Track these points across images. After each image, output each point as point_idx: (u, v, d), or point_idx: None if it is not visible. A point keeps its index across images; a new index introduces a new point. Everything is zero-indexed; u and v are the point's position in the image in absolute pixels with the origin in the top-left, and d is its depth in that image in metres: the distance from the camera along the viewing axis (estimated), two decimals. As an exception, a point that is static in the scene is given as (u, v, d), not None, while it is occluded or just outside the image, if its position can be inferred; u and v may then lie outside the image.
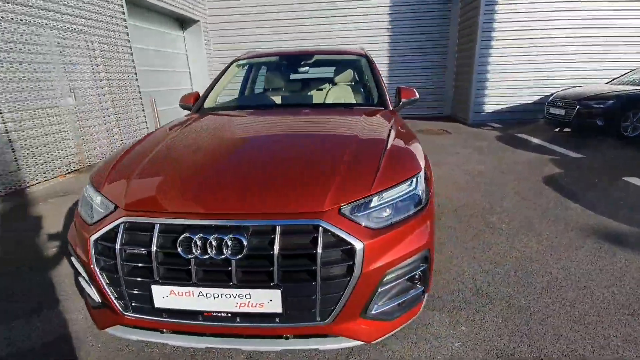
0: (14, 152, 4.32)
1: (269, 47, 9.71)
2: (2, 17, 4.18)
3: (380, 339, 1.36)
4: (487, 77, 8.15)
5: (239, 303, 1.22)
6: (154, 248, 1.22)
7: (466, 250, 2.55)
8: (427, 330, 1.79)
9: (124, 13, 6.34)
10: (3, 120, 4.24)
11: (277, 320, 1.24)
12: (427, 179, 1.59)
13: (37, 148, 4.63)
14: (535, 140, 6.24)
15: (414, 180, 1.47)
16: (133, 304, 1.30)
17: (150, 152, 1.72)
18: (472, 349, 1.66)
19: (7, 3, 4.23)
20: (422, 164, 1.59)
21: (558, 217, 3.07)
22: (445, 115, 9.93)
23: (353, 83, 2.93)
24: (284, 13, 9.69)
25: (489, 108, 8.37)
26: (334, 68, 3.17)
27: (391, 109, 2.45)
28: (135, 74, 6.73)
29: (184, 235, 1.19)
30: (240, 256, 1.17)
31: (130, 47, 6.55)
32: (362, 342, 1.32)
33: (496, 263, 2.39)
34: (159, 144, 1.81)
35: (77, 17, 5.34)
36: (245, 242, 1.17)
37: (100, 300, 1.38)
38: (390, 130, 1.90)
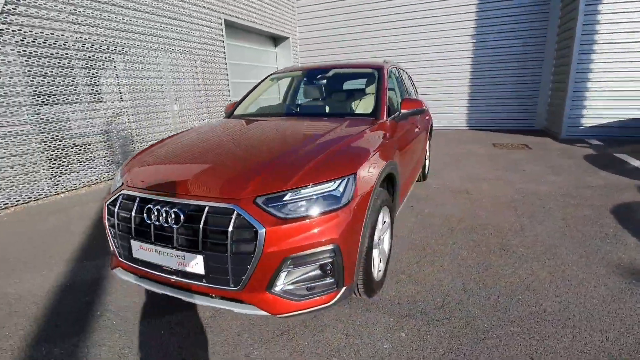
0: (132, 144, 5.76)
1: (348, 59, 10.17)
2: (132, 44, 5.63)
3: (285, 315, 1.59)
4: (587, 87, 6.94)
5: (178, 262, 1.62)
6: (133, 213, 1.72)
7: (459, 267, 2.46)
8: (367, 328, 1.89)
9: (222, 36, 7.63)
10: (129, 120, 5.71)
11: (204, 280, 1.60)
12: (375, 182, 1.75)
13: (148, 143, 6.03)
14: (635, 163, 5.11)
15: (339, 182, 1.65)
16: (123, 253, 1.84)
17: (157, 146, 2.29)
18: (398, 353, 1.71)
19: (136, 34, 5.67)
20: (358, 169, 1.73)
21: (597, 250, 2.63)
22: (538, 129, 8.75)
23: (366, 95, 3.09)
24: (364, 26, 10.06)
25: (588, 122, 7.09)
26: (357, 80, 3.41)
27: (384, 119, 2.54)
28: (228, 85, 7.99)
29: (148, 206, 1.66)
30: (178, 226, 1.58)
31: (226, 63, 7.82)
32: (267, 313, 1.57)
33: (483, 285, 2.26)
34: (168, 141, 2.37)
35: (186, 41, 6.71)
36: (182, 216, 1.57)
37: (111, 249, 1.97)
38: (352, 137, 2.08)
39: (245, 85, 9.13)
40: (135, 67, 5.78)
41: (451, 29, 9.14)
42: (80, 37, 4.91)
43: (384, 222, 2.23)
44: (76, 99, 5.00)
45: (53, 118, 4.68)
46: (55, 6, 4.56)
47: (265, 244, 1.49)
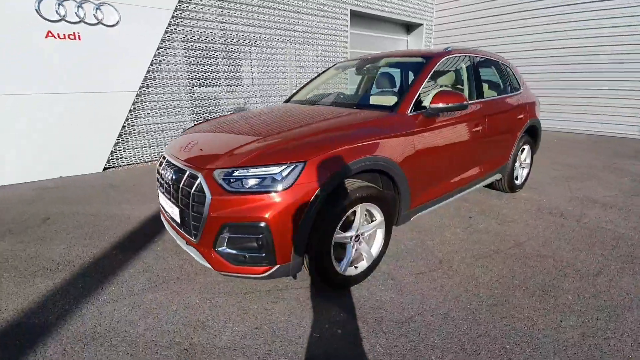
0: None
1: (483, 47, 8.94)
2: (265, 37, 6.67)
3: (224, 273, 1.87)
4: None
5: (171, 210, 2.11)
6: (157, 171, 2.33)
7: (459, 291, 2.16)
8: (312, 314, 1.96)
9: (346, 26, 8.01)
10: (256, 102, 6.91)
11: (182, 229, 2.04)
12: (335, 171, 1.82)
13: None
14: None
15: (284, 167, 1.76)
16: (158, 200, 2.49)
17: (198, 124, 2.82)
18: (319, 345, 1.76)
19: (269, 29, 6.68)
20: (310, 158, 1.80)
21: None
22: None
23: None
24: (504, 15, 8.58)
25: None
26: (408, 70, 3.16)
27: (405, 113, 2.35)
28: (346, 73, 8.39)
29: (162, 166, 2.22)
30: (171, 183, 2.05)
31: (347, 52, 8.21)
32: (212, 268, 1.88)
33: (470, 318, 1.95)
34: (209, 121, 2.86)
35: (309, 33, 7.42)
36: (174, 176, 2.03)
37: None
38: (338, 127, 2.14)
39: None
40: (266, 57, 6.85)
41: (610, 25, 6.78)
42: (224, 34, 6.19)
43: (370, 219, 2.20)
44: (217, 82, 6.39)
45: (200, 96, 6.16)
46: (208, 9, 5.90)
47: (209, 208, 1.78)
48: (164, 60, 5.59)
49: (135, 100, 5.42)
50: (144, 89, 5.49)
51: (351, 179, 2.07)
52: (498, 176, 3.48)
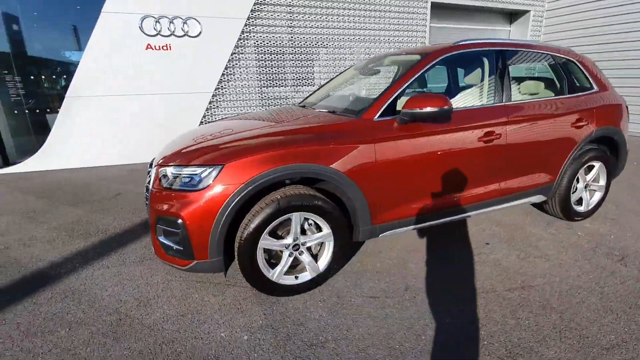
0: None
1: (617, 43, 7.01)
2: (330, 38, 6.76)
3: (162, 261, 2.07)
4: None
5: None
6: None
7: (398, 321, 1.87)
8: (238, 313, 1.99)
9: (426, 20, 7.43)
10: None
11: None
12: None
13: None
14: None
15: (204, 169, 1.86)
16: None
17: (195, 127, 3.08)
18: (225, 346, 1.80)
19: (338, 29, 6.74)
20: (228, 162, 1.85)
21: None
22: None
23: None
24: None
25: None
26: None
27: (369, 118, 2.14)
28: (423, 72, 7.80)
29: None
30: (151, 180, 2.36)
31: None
32: (155, 253, 2.12)
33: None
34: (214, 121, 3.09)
35: (382, 30, 7.17)
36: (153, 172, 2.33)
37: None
38: (285, 134, 2.12)
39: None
40: (334, 58, 6.95)
41: None
42: (292, 37, 6.53)
43: (317, 230, 2.11)
44: (285, 83, 6.80)
45: (269, 96, 6.68)
46: (278, 15, 6.31)
47: (150, 200, 2.02)
48: (237, 64, 6.25)
49: (211, 99, 6.24)
50: (219, 90, 6.27)
51: (293, 186, 2.03)
52: (539, 198, 2.81)
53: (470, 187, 2.44)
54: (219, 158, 1.90)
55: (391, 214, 2.26)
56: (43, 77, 6.00)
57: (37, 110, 5.88)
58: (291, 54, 6.63)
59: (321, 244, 2.19)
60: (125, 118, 5.78)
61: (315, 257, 2.18)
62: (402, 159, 2.17)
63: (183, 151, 2.11)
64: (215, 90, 6.21)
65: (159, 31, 5.62)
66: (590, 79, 2.94)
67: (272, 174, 1.87)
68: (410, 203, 2.30)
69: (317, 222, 2.07)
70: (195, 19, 5.78)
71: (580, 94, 2.84)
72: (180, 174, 1.94)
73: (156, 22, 5.57)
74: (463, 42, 2.53)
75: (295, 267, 2.16)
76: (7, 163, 5.68)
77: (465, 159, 2.36)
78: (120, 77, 5.59)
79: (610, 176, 3.06)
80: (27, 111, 5.82)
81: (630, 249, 2.61)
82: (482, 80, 2.59)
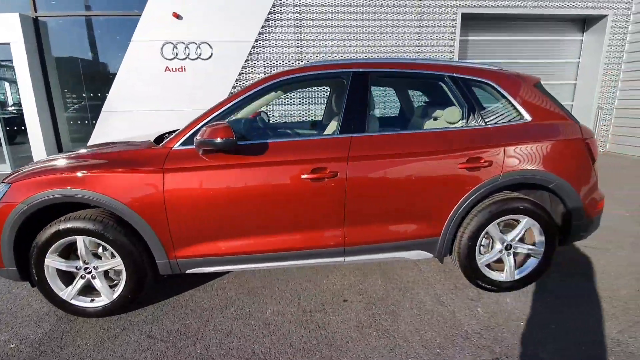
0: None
1: None
2: (339, 56, 6.58)
3: None
4: None
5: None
6: None
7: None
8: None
9: (454, 34, 6.63)
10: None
11: None
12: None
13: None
14: None
15: (1, 186, 2.03)
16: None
17: None
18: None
19: (342, 47, 6.54)
20: (16, 182, 1.97)
21: None
22: None
23: None
24: None
25: None
26: None
27: (172, 147, 2.05)
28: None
29: None
30: None
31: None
32: None
33: None
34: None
35: (401, 47, 6.66)
36: None
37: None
38: (86, 157, 2.16)
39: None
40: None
41: None
42: (300, 57, 6.58)
43: (111, 257, 2.06)
44: (292, 101, 6.86)
45: (277, 114, 6.84)
46: (285, 36, 6.44)
47: None
48: (245, 83, 6.58)
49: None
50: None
51: (88, 210, 2.04)
52: (419, 254, 2.20)
53: (292, 232, 2.06)
54: (12, 178, 2.04)
55: (194, 251, 2.06)
56: (98, 94, 7.30)
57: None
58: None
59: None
60: (150, 131, 6.60)
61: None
62: (202, 192, 1.97)
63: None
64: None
65: (176, 55, 6.31)
66: (517, 106, 2.20)
67: (39, 197, 1.91)
68: (218, 241, 2.06)
69: (111, 248, 2.03)
70: (207, 43, 6.32)
71: (485, 125, 2.15)
72: None
73: (174, 47, 6.27)
74: (311, 65, 2.21)
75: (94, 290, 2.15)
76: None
77: (285, 198, 2.01)
78: (145, 95, 6.42)
79: (553, 238, 2.22)
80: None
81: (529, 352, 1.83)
82: (333, 107, 2.19)
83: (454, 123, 2.20)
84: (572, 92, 7.65)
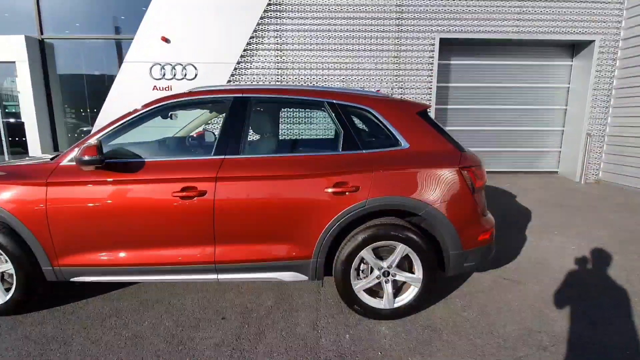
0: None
1: None
2: (316, 80, 6.76)
3: None
4: None
5: None
6: None
7: None
8: None
9: (432, 58, 6.67)
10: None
11: None
12: None
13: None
14: None
15: None
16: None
17: None
18: None
19: (320, 70, 6.72)
20: None
21: None
22: None
23: None
24: None
25: None
26: None
27: (60, 163, 2.20)
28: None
29: None
30: None
31: (431, 85, 6.77)
32: None
33: None
34: None
35: (379, 70, 6.77)
36: None
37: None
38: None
39: (476, 112, 7.28)
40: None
41: None
42: (280, 78, 6.82)
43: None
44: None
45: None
46: (265, 59, 6.72)
47: None
48: (226, 102, 6.89)
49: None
50: (210, 126, 6.97)
51: None
52: (293, 275, 2.23)
53: (166, 247, 2.16)
54: None
55: (75, 260, 2.20)
56: (94, 109, 7.85)
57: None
58: (279, 93, 6.89)
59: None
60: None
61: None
62: (80, 205, 2.13)
63: None
64: (206, 125, 6.93)
65: (163, 75, 6.73)
66: (394, 133, 2.23)
67: None
68: (98, 252, 2.19)
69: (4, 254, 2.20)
70: (193, 65, 6.71)
71: (359, 151, 2.19)
72: None
73: (162, 68, 6.70)
74: (196, 90, 2.36)
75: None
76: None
77: (157, 215, 2.13)
78: (134, 111, 6.86)
79: (431, 267, 2.18)
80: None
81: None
82: (221, 129, 2.30)
83: (331, 148, 2.27)
84: (563, 117, 7.42)
